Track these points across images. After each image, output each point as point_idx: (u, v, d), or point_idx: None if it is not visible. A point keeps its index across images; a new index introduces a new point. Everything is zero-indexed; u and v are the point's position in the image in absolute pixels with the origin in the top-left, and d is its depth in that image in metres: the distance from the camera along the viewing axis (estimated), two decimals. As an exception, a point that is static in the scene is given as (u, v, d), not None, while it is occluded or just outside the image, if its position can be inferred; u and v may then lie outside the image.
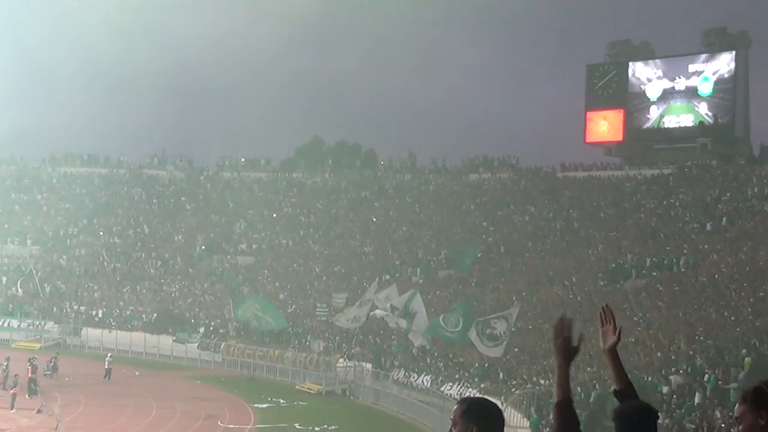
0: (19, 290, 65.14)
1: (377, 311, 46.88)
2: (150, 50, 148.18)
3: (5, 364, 43.97)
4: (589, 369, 36.25)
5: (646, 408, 4.34)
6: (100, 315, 61.63)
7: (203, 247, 71.25)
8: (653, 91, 68.64)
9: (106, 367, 48.76)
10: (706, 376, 31.52)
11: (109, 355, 51.11)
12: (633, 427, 4.22)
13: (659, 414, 5.32)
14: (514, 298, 50.28)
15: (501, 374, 39.79)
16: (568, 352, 4.31)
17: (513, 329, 40.24)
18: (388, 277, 59.80)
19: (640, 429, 4.23)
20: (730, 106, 65.24)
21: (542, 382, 36.31)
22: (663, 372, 33.20)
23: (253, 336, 55.03)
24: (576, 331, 4.37)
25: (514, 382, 38.19)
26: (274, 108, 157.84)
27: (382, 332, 50.22)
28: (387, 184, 77.20)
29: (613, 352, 4.58)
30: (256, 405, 42.84)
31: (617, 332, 4.60)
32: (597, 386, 33.18)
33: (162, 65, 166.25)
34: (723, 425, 26.17)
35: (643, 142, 69.79)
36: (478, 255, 57.72)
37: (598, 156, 72.09)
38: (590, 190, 65.45)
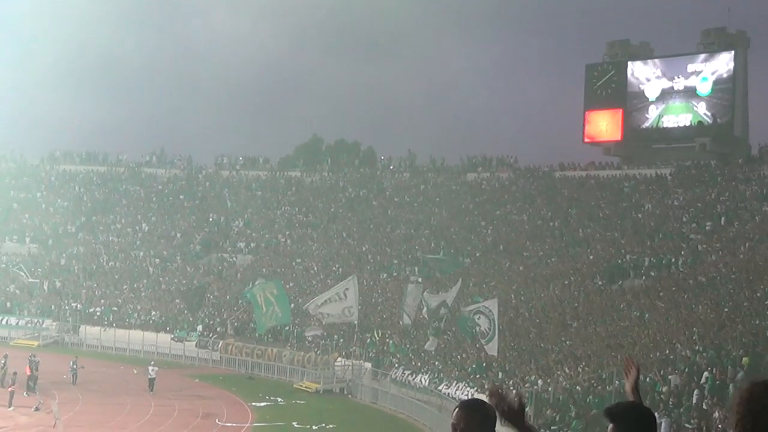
0: (44, 288, 64.78)
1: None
2: (149, 48, 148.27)
3: (3, 361, 43.91)
4: (587, 369, 36.30)
5: (646, 410, 4.00)
6: (98, 313, 61.59)
7: (200, 246, 71.18)
8: (652, 91, 68.59)
9: (150, 376, 44.31)
10: (705, 376, 31.54)
11: (152, 362, 46.50)
12: (636, 428, 3.89)
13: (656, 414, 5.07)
14: (512, 297, 50.30)
15: (499, 374, 39.78)
16: (514, 416, 4.11)
17: (499, 326, 40.09)
18: (384, 275, 59.85)
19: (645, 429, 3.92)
20: (729, 106, 65.19)
21: (539, 382, 36.33)
22: (661, 372, 33.22)
23: (251, 334, 55.03)
24: (510, 395, 4.16)
25: (511, 382, 38.18)
26: (273, 106, 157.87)
27: (380, 331, 50.23)
28: (386, 183, 77.18)
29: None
30: (254, 403, 42.84)
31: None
32: (596, 386, 33.23)
33: (161, 63, 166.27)
34: (720, 425, 26.19)
35: (642, 141, 69.73)
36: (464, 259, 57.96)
37: (596, 156, 72.15)
38: (588, 190, 65.44)
